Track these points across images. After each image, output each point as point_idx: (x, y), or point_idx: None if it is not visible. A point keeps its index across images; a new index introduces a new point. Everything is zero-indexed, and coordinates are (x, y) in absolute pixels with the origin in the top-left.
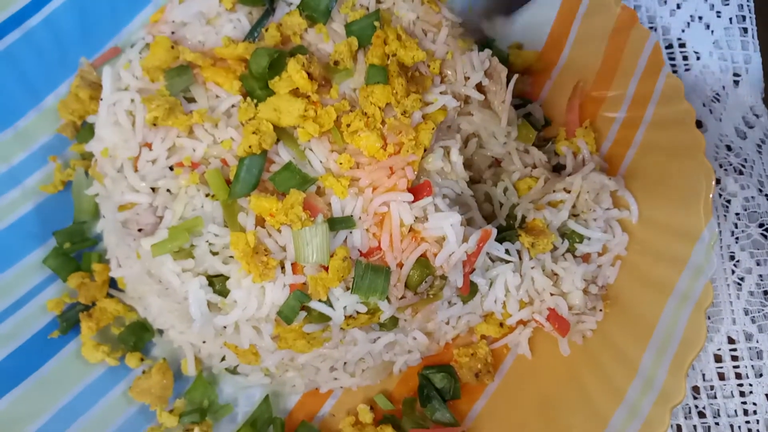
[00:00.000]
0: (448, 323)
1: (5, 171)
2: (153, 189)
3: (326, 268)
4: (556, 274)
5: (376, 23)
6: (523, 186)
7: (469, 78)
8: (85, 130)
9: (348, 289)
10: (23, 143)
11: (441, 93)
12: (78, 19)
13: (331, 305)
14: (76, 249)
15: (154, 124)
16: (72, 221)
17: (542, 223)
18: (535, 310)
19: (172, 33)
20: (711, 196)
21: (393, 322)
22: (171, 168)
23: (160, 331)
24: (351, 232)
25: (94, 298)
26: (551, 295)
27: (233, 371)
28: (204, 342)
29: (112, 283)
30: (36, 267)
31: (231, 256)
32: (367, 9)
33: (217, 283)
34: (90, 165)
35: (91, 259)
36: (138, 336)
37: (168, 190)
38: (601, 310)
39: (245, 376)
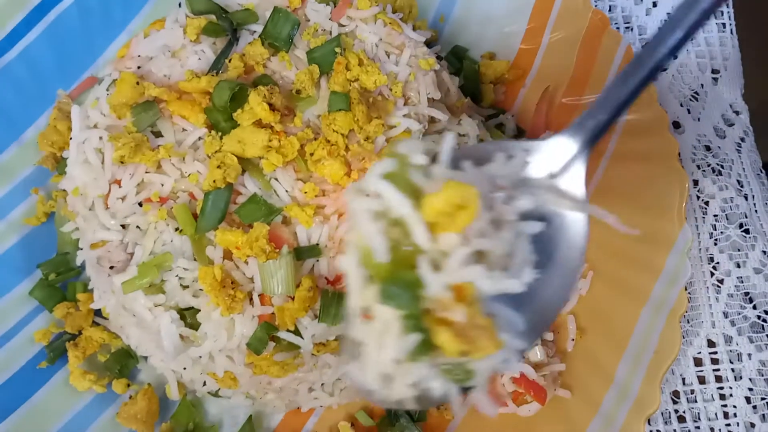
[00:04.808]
0: None
1: None
2: (123, 226)
3: (293, 298)
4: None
5: (337, 49)
6: None
7: (432, 99)
8: (65, 162)
9: (316, 317)
10: (6, 177)
11: (404, 116)
12: (53, 52)
13: (299, 334)
14: (62, 279)
15: (122, 162)
16: (56, 252)
17: None
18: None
19: (138, 68)
20: (685, 204)
21: None
22: (140, 204)
23: (145, 357)
24: (318, 260)
25: (80, 326)
26: None
27: (215, 395)
28: (185, 369)
29: (97, 311)
30: (23, 299)
31: (201, 289)
32: (330, 33)
33: (189, 316)
34: None
35: (76, 289)
36: (123, 363)
37: (137, 227)
38: (572, 339)
39: (228, 399)
